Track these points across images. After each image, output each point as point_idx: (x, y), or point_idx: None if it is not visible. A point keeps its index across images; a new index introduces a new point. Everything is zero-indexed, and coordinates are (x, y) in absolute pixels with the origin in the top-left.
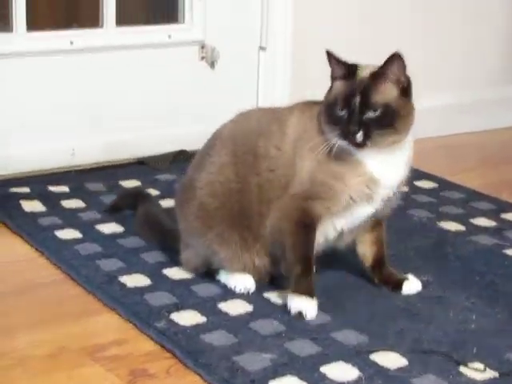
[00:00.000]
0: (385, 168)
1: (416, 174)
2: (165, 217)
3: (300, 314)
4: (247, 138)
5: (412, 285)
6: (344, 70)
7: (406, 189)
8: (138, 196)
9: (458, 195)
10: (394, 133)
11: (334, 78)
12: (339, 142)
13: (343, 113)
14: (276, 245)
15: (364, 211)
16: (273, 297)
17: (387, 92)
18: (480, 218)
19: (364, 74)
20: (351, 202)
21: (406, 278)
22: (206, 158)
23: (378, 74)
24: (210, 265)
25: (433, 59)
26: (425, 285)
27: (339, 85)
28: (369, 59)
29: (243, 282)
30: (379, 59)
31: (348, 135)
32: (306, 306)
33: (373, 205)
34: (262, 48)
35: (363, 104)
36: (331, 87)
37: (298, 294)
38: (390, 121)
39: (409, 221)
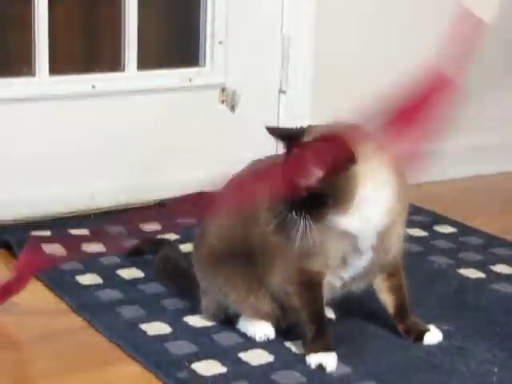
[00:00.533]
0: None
1: (435, 219)
2: (184, 262)
3: (320, 366)
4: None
5: (433, 335)
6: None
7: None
8: (158, 241)
9: (478, 241)
10: (332, 209)
11: None
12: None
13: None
14: (283, 304)
15: (359, 262)
16: (294, 346)
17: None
18: (500, 265)
19: None
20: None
21: (428, 329)
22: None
23: None
24: (226, 309)
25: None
26: (446, 335)
27: None
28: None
29: (262, 329)
30: None
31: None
32: (325, 359)
33: (363, 256)
34: (282, 91)
35: None
36: None
37: (316, 352)
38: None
39: (429, 267)
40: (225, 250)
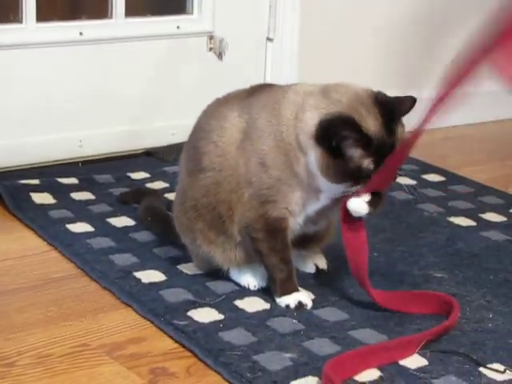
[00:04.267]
0: None
1: (423, 167)
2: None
3: (300, 303)
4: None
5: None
6: None
7: None
8: (140, 191)
9: (467, 189)
10: None
11: None
12: None
13: None
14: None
15: (314, 207)
16: None
17: None
18: (490, 213)
19: None
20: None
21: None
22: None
23: None
24: (212, 265)
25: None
26: (439, 282)
27: None
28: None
29: (255, 278)
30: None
31: None
32: (302, 297)
33: (319, 203)
34: (269, 39)
35: None
36: None
37: (290, 293)
38: None
39: (419, 216)
40: (198, 205)
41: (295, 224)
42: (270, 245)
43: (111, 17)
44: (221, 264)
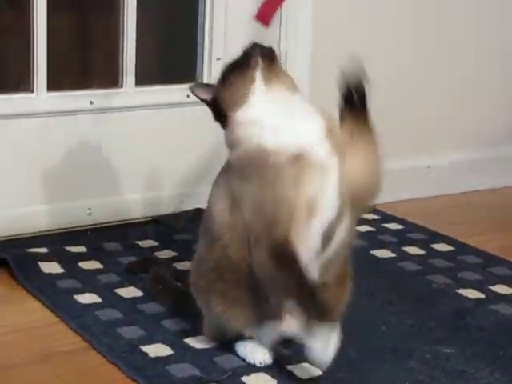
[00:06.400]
0: None
1: (432, 237)
2: (175, 281)
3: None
4: None
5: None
6: None
7: None
8: (148, 260)
9: (476, 259)
10: None
11: None
12: None
13: None
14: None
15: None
16: (296, 370)
17: None
18: (499, 285)
19: None
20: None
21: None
22: None
23: None
24: (226, 333)
25: (446, 116)
26: (447, 358)
27: None
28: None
29: (261, 355)
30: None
31: None
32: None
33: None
34: None
35: None
36: None
37: (323, 320)
38: None
39: (428, 287)
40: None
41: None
42: (284, 274)
43: (121, 86)
44: (234, 327)
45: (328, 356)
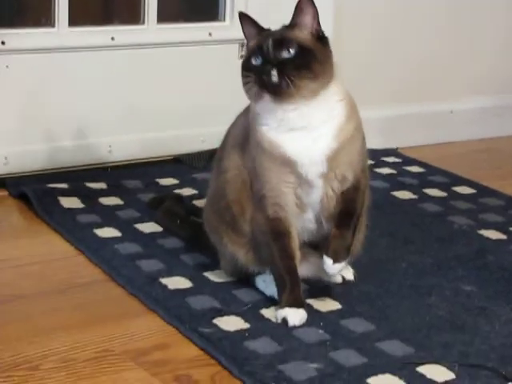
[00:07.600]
0: (301, 144)
1: (454, 180)
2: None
3: (284, 320)
4: None
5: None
6: (257, 30)
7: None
8: (163, 196)
9: (497, 202)
10: (313, 77)
11: (248, 41)
12: (255, 90)
13: (258, 60)
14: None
15: (312, 197)
16: (315, 303)
17: (300, 35)
18: None
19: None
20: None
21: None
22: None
23: (290, 24)
24: (242, 269)
25: (469, 60)
26: (468, 295)
27: (253, 41)
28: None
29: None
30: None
31: (262, 76)
32: (289, 314)
33: (313, 188)
34: None
35: (276, 45)
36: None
37: (283, 306)
38: (306, 62)
39: (449, 228)
40: (220, 208)
41: (307, 222)
42: (271, 250)
43: (143, 22)
44: (245, 264)
45: (336, 268)
